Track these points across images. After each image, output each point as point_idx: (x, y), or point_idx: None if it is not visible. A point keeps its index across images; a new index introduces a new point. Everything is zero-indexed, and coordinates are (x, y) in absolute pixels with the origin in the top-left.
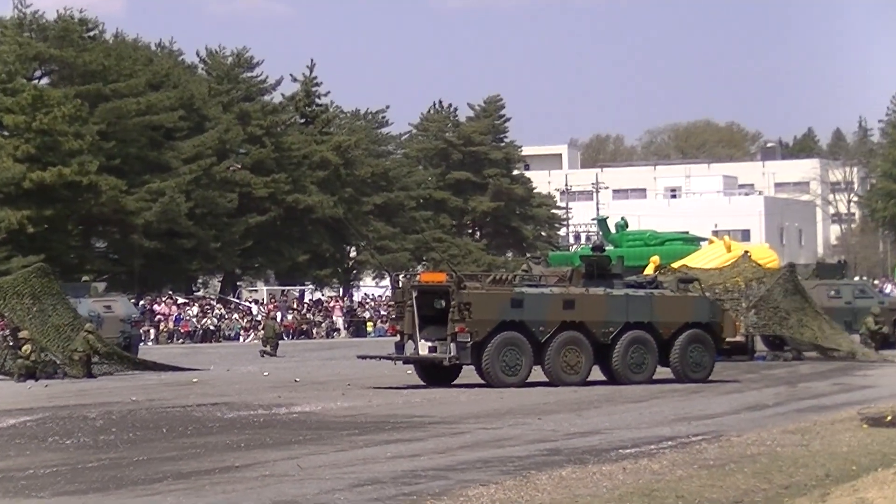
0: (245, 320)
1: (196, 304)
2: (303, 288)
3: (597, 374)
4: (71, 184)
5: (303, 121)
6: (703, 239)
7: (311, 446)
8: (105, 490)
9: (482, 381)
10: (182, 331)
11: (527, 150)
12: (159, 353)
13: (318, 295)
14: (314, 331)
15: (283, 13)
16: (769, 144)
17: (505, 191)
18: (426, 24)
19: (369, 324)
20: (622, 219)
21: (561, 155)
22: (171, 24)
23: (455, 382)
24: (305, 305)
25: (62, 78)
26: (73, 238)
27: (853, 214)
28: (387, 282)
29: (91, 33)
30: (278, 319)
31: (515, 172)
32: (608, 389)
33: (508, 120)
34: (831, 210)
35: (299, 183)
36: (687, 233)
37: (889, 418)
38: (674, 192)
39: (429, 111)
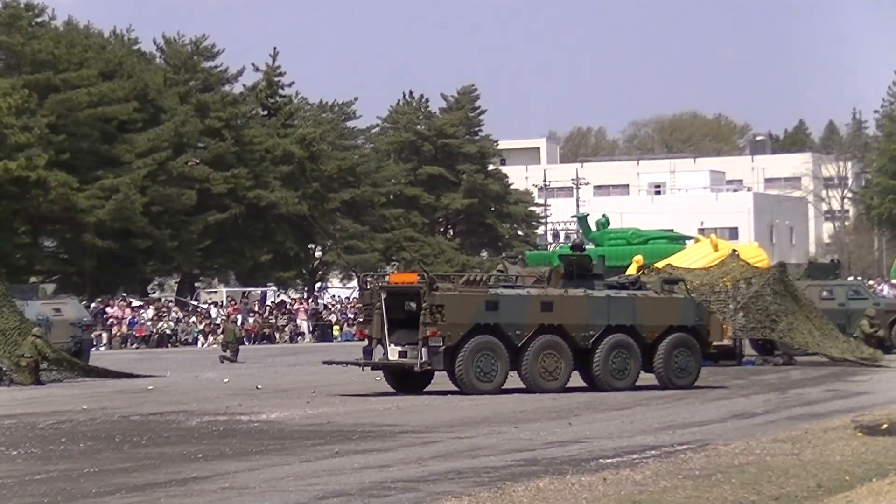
0: (203, 324)
1: (151, 307)
2: (265, 289)
3: (576, 380)
4: (18, 179)
5: (265, 113)
6: (689, 237)
7: (273, 457)
8: None
9: (455, 388)
10: (136, 335)
11: (503, 144)
12: (112, 359)
13: (281, 297)
14: (277, 335)
15: None
16: (758, 138)
17: (480, 187)
18: (396, 10)
19: (336, 327)
20: (603, 216)
21: (539, 149)
22: (127, 11)
23: (426, 389)
24: (268, 308)
25: (9, 67)
26: (20, 237)
27: (847, 212)
28: (354, 283)
29: (40, 20)
30: (239, 323)
31: (491, 167)
32: (588, 396)
33: (483, 112)
34: (824, 207)
35: (261, 178)
36: (672, 231)
37: (885, 426)
38: (658, 188)
39: (399, 103)
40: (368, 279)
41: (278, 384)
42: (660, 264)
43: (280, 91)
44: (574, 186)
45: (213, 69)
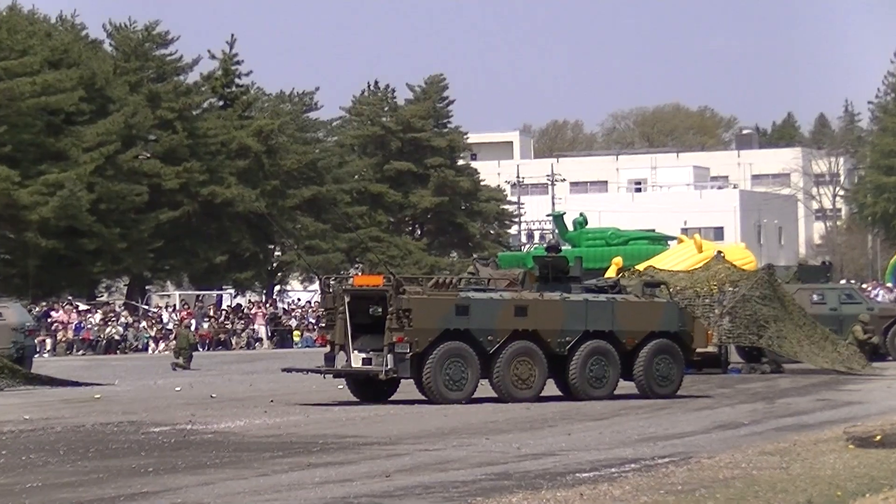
0: (155, 329)
1: (99, 311)
2: (220, 292)
3: (551, 388)
4: None
5: (221, 103)
6: (672, 238)
7: (228, 470)
8: None
9: (423, 397)
10: (83, 341)
11: (473, 138)
12: (57, 366)
13: (237, 300)
14: (233, 341)
15: None
16: (745, 131)
17: (449, 183)
18: None
19: (296, 333)
20: (581, 215)
21: (512, 143)
22: None
23: (392, 398)
24: (223, 312)
25: None
26: None
27: (839, 210)
28: (316, 286)
29: None
30: (192, 328)
31: (461, 163)
32: (564, 406)
33: (452, 102)
34: (814, 205)
35: (216, 174)
36: (653, 231)
37: (878, 438)
38: (638, 185)
39: (363, 93)
40: (331, 282)
41: (234, 393)
42: (640, 266)
43: (237, 80)
44: (549, 183)
45: (166, 57)
